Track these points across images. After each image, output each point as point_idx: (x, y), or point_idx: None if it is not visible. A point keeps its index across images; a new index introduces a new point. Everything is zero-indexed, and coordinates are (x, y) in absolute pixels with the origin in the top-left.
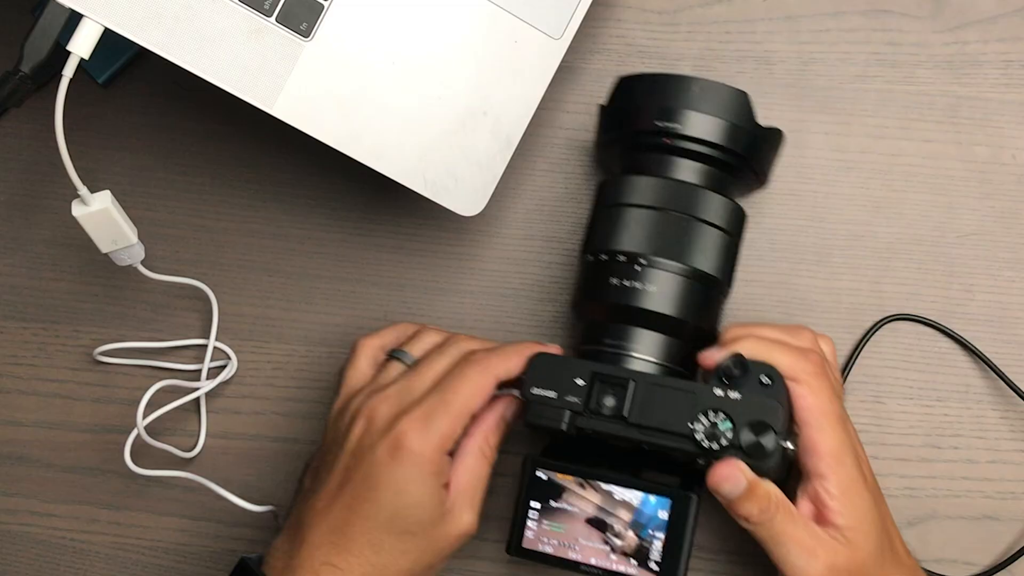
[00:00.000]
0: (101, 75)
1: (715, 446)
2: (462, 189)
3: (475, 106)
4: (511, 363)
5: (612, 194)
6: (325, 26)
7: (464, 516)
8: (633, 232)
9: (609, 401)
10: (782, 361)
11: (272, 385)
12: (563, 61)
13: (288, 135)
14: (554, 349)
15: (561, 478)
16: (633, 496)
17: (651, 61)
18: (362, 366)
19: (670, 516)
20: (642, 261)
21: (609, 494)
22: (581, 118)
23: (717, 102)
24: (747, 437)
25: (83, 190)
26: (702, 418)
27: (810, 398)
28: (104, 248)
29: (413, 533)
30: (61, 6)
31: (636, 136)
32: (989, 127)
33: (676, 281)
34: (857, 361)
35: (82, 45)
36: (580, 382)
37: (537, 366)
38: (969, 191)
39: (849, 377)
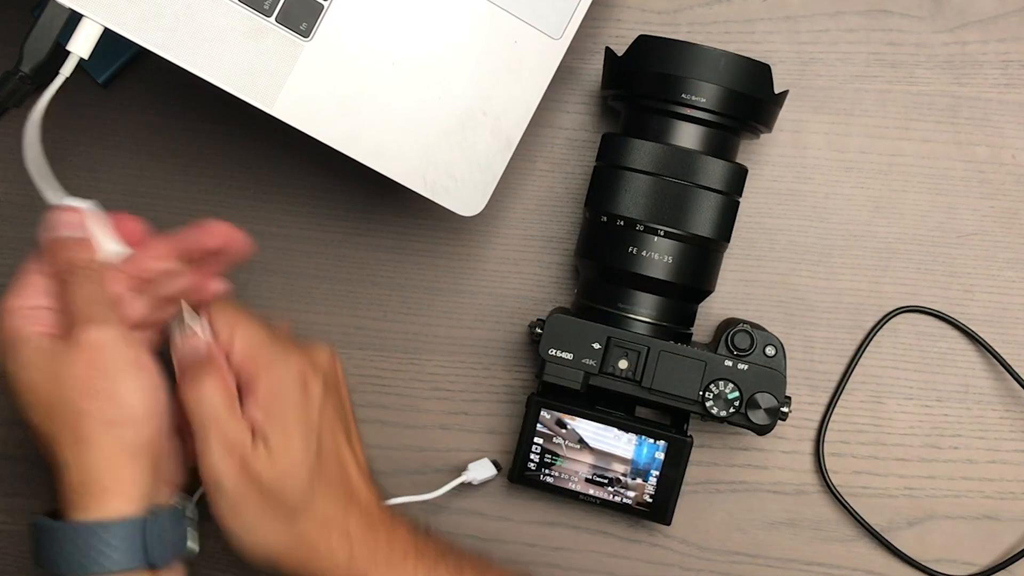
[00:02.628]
0: (101, 75)
1: (722, 413)
2: (462, 189)
3: (475, 106)
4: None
5: (618, 154)
6: (325, 26)
7: None
8: (647, 199)
9: (623, 364)
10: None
11: None
12: (563, 61)
13: (288, 135)
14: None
15: (565, 418)
16: (626, 446)
17: None
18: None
19: (665, 456)
20: (656, 229)
21: (602, 452)
22: (581, 118)
23: (741, 76)
24: (752, 406)
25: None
26: (712, 387)
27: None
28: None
29: None
30: (61, 6)
31: (651, 99)
32: (989, 127)
33: (684, 249)
34: (857, 361)
35: (82, 45)
36: (596, 346)
37: (554, 327)
38: (969, 191)
39: (850, 377)
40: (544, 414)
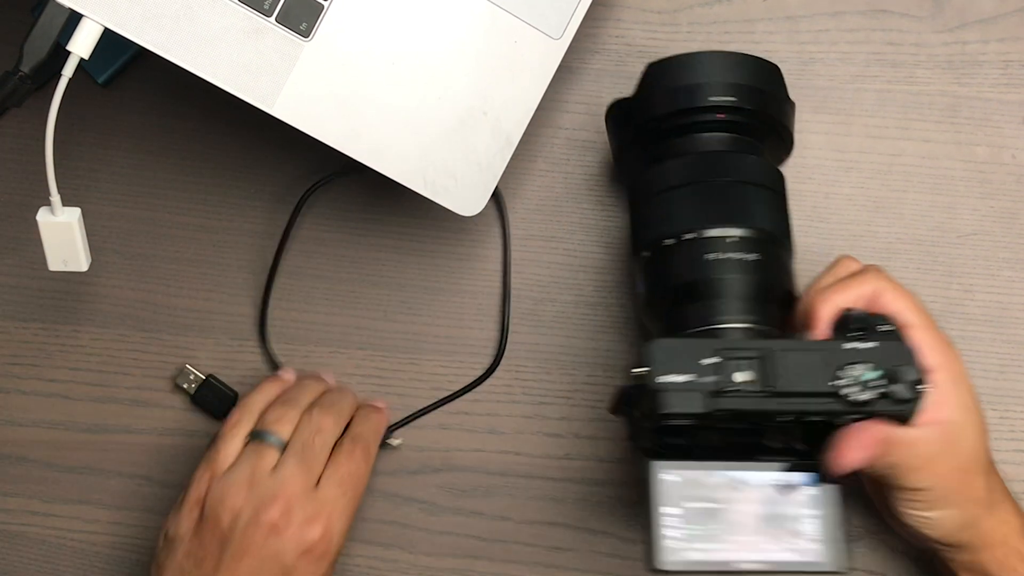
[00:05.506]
0: (101, 75)
1: (866, 396)
2: (462, 189)
3: (475, 106)
4: (376, 416)
5: (658, 181)
6: (325, 26)
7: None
8: (704, 204)
9: (741, 376)
10: (860, 292)
11: None
12: (563, 61)
13: (288, 135)
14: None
15: (698, 474)
16: (776, 479)
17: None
18: (231, 453)
19: (820, 490)
20: (723, 232)
21: (760, 488)
22: (581, 118)
23: (759, 74)
24: (895, 380)
25: (56, 198)
26: (841, 374)
27: (900, 302)
28: (53, 265)
29: None
30: (61, 6)
31: (679, 116)
32: (989, 127)
33: (755, 244)
34: None
35: (82, 45)
36: (708, 361)
37: (658, 353)
38: (969, 191)
39: None
40: (667, 477)
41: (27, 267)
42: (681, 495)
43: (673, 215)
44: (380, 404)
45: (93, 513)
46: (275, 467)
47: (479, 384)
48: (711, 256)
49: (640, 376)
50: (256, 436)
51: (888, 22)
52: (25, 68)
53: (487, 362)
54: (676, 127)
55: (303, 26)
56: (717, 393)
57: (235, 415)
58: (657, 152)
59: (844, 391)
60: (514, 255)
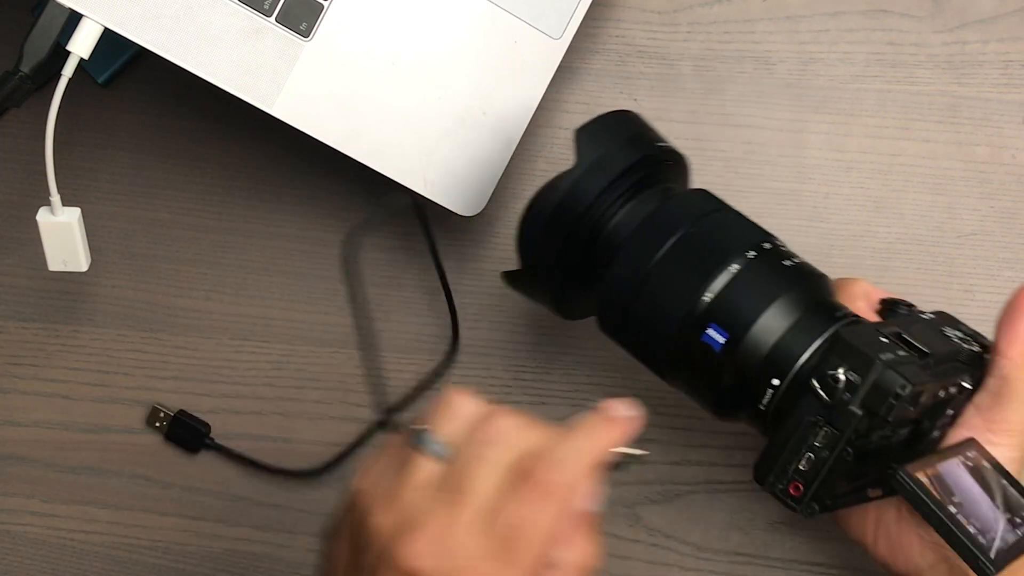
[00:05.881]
0: (101, 75)
1: (976, 348)
2: (462, 189)
3: (475, 106)
4: (590, 471)
5: (647, 255)
6: (325, 26)
7: None
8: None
9: (905, 353)
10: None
11: (272, 385)
12: (563, 61)
13: (288, 135)
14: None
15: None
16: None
17: (651, 61)
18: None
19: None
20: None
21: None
22: (581, 118)
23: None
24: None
25: (56, 198)
26: (947, 333)
27: None
28: (53, 265)
29: None
30: (61, 6)
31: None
32: (989, 127)
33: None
34: None
35: (82, 45)
36: (884, 341)
37: (849, 342)
38: (969, 191)
39: None
40: (923, 479)
41: (27, 267)
42: (944, 491)
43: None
44: (621, 411)
45: (93, 513)
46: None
47: (479, 384)
48: (787, 263)
49: (834, 386)
50: (418, 440)
51: (888, 22)
52: (25, 68)
53: (486, 362)
54: (598, 220)
55: (303, 26)
56: (920, 365)
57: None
58: (601, 256)
59: (963, 345)
60: (514, 255)
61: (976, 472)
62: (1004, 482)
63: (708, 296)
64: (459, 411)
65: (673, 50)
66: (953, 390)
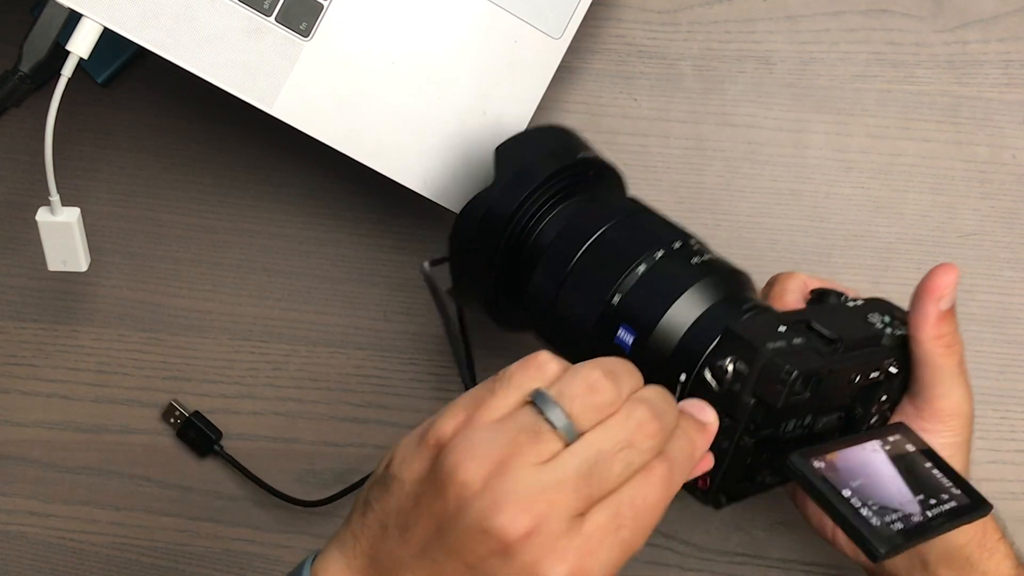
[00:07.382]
0: (101, 75)
1: (901, 331)
2: (462, 189)
3: (475, 106)
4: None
5: (584, 236)
6: (325, 26)
7: None
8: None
9: (807, 339)
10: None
11: (272, 385)
12: (563, 61)
13: (288, 135)
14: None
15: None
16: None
17: (651, 61)
18: (504, 405)
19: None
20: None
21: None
22: (581, 118)
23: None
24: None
25: (55, 198)
26: (871, 320)
27: None
28: (52, 265)
29: None
30: (60, 6)
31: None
32: (989, 127)
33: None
34: None
35: (81, 45)
36: (782, 329)
37: (746, 328)
38: (969, 191)
39: None
40: (817, 464)
41: (27, 267)
42: (839, 477)
43: (631, 243)
44: (708, 417)
45: (93, 513)
46: (546, 460)
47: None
48: (695, 260)
49: (731, 373)
50: (541, 400)
51: (889, 22)
52: (25, 68)
53: (487, 362)
54: (520, 232)
55: (303, 26)
56: (817, 352)
57: (531, 366)
58: (527, 267)
59: (885, 330)
60: None
61: (896, 456)
62: (928, 465)
63: (617, 297)
64: (547, 371)
65: (673, 50)
66: (876, 375)
